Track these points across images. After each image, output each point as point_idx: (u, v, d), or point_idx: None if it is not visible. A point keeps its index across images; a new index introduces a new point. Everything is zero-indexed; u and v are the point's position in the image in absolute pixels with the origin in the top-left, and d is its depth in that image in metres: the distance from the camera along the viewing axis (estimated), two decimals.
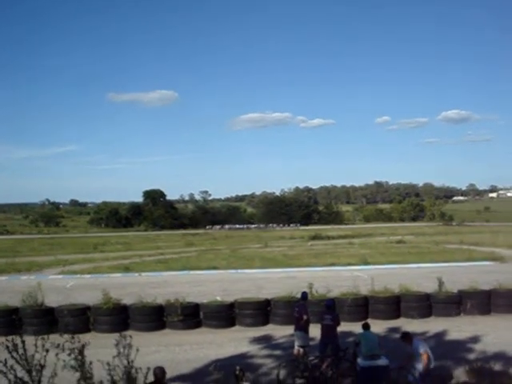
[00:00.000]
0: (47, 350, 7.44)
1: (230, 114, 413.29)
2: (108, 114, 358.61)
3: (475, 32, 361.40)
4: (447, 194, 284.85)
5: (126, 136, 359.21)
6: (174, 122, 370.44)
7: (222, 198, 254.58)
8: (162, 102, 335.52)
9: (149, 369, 9.08)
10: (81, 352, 7.65)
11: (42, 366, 7.55)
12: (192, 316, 19.67)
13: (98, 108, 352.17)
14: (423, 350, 11.79)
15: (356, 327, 16.79)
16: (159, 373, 9.21)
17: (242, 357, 15.65)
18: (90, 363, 7.84)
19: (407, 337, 12.24)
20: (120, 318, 19.28)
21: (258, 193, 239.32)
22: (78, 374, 7.72)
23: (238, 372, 9.82)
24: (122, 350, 8.62)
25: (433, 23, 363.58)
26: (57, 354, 7.37)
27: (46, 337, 7.48)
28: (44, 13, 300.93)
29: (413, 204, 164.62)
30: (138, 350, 8.96)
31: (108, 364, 8.37)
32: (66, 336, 7.71)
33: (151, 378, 9.07)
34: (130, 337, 8.85)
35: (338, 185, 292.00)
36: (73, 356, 7.54)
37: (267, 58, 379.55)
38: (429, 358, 11.86)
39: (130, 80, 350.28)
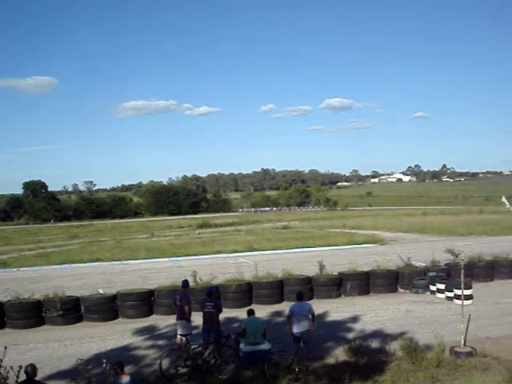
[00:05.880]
0: None
1: (112, 102, 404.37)
2: None
3: (354, 22, 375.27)
4: (332, 179, 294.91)
5: (3, 125, 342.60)
6: (54, 110, 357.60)
7: (108, 188, 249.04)
8: (41, 89, 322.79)
9: (21, 367, 8.68)
10: None
11: None
12: (72, 310, 19.07)
13: None
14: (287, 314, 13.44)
15: (240, 313, 17.02)
16: (30, 371, 8.81)
17: (125, 349, 15.37)
18: None
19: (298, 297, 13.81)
20: None
21: (144, 182, 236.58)
22: None
23: (105, 365, 9.52)
24: None
25: (315, 14, 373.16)
26: None
27: None
28: None
29: (299, 190, 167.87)
30: (5, 348, 8.48)
31: None
32: None
33: (24, 377, 8.66)
34: None
35: (226, 173, 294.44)
36: None
37: (150, 43, 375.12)
38: (288, 321, 13.26)
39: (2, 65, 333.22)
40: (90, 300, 19.41)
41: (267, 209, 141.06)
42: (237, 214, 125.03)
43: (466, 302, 15.82)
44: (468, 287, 18.69)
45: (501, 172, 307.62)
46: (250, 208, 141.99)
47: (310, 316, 13.44)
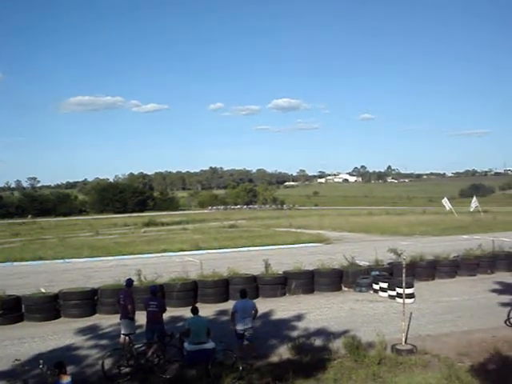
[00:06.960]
0: None
1: (58, 97, 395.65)
2: None
3: (302, 22, 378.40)
4: (279, 179, 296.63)
5: None
6: None
7: (52, 184, 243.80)
8: None
9: None
10: None
11: None
12: (13, 310, 18.56)
13: None
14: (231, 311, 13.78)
15: (185, 312, 16.91)
16: None
17: (67, 349, 15.10)
18: None
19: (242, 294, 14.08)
20: None
21: (90, 179, 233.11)
22: None
23: (41, 366, 9.31)
24: None
25: (261, 14, 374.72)
26: None
27: None
28: None
29: (246, 189, 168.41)
30: None
31: None
32: None
33: None
34: None
35: (174, 171, 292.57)
36: None
37: (98, 38, 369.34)
38: (232, 318, 13.54)
39: None
40: (31, 299, 18.96)
41: (237, 206, 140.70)
42: (205, 211, 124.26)
43: (407, 301, 16.14)
44: (410, 286, 19.08)
45: (444, 174, 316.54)
46: (218, 206, 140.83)
47: (253, 313, 13.57)
